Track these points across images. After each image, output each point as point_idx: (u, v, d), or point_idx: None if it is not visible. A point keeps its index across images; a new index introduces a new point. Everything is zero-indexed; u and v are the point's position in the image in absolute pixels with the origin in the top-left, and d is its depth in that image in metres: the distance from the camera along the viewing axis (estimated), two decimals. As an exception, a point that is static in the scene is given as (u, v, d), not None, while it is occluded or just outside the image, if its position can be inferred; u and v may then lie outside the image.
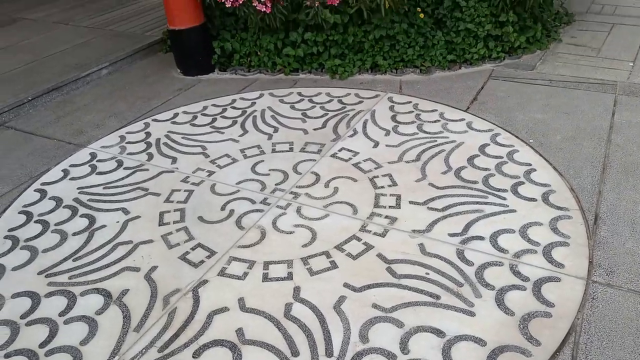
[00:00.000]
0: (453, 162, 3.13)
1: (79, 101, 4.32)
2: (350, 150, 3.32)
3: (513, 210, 2.70)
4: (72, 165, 3.40)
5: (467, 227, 2.61)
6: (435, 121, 3.57)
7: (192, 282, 2.42)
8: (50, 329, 2.24)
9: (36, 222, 2.90)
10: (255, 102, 4.03)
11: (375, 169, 3.12)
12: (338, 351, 2.04)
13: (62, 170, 3.35)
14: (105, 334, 2.20)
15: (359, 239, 2.59)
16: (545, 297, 2.21)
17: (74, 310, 2.32)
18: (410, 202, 2.82)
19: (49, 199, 3.09)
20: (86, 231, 2.80)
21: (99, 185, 3.17)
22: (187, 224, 2.79)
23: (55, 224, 2.87)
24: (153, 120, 3.90)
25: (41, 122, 4.02)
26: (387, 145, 3.34)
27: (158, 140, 3.62)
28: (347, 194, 2.92)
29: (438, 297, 2.25)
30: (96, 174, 3.29)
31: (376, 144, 3.36)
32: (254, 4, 4.11)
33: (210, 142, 3.54)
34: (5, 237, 2.80)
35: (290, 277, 2.40)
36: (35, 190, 3.18)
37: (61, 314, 2.30)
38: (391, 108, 3.79)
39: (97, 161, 3.43)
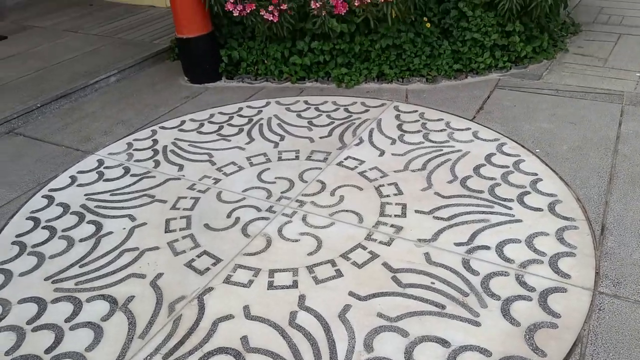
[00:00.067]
0: (459, 171, 3.13)
1: (87, 108, 4.36)
2: (356, 159, 3.32)
3: (519, 220, 2.70)
4: (79, 172, 3.42)
5: (473, 236, 2.61)
6: (441, 130, 3.58)
7: (198, 289, 2.42)
8: (56, 335, 2.25)
9: (43, 228, 2.92)
10: (261, 110, 4.05)
11: (381, 177, 3.13)
12: (343, 360, 2.04)
13: (69, 177, 3.38)
14: (111, 341, 2.20)
15: (364, 248, 2.59)
16: (552, 307, 2.20)
17: (79, 316, 2.33)
18: (416, 211, 2.82)
19: (57, 205, 3.11)
20: (93, 237, 2.81)
21: (106, 192, 3.19)
22: (193, 231, 2.80)
23: (62, 230, 2.88)
24: (160, 127, 3.93)
25: (50, 128, 4.06)
26: (393, 154, 3.34)
27: (165, 147, 3.64)
28: (353, 202, 2.93)
29: (443, 307, 2.24)
30: (103, 180, 3.31)
31: (382, 153, 3.37)
32: (262, 13, 4.14)
33: (216, 149, 3.56)
34: (13, 243, 2.82)
35: (295, 285, 2.40)
36: (43, 197, 3.20)
37: (67, 320, 2.31)
38: (397, 117, 3.79)
39: (104, 168, 3.45)
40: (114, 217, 2.96)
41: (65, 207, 3.07)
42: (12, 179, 3.42)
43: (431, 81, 4.30)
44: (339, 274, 2.45)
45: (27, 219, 3.01)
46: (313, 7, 4.08)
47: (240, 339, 2.16)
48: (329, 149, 3.46)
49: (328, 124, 3.77)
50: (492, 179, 3.03)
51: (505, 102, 3.92)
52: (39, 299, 2.44)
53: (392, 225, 2.73)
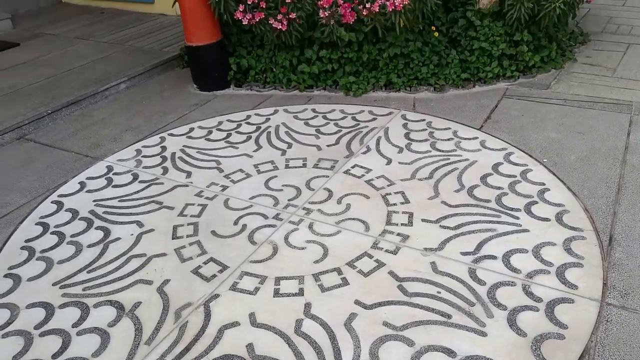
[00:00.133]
0: (466, 180, 3.12)
1: (97, 115, 4.40)
2: (363, 167, 3.33)
3: (526, 230, 2.69)
4: (88, 178, 3.45)
5: (480, 246, 2.60)
6: (448, 139, 3.58)
7: (204, 296, 2.43)
8: (63, 340, 2.26)
9: (52, 233, 2.94)
10: (269, 118, 4.08)
11: (388, 186, 3.13)
12: (348, 369, 2.04)
13: (78, 183, 3.41)
14: (117, 346, 2.21)
15: (370, 256, 2.59)
16: (559, 318, 2.19)
17: (87, 321, 2.35)
18: (423, 220, 2.82)
19: (65, 210, 3.13)
20: (101, 243, 2.83)
21: (114, 198, 3.22)
22: (200, 238, 2.81)
23: (71, 236, 2.91)
24: (169, 134, 3.96)
25: (60, 135, 4.10)
26: (400, 163, 3.35)
27: (173, 154, 3.66)
28: (360, 210, 2.93)
29: (449, 316, 2.23)
30: (112, 186, 3.34)
31: (389, 161, 3.37)
32: (271, 22, 4.17)
33: (224, 157, 3.58)
34: (22, 248, 2.84)
35: (301, 293, 2.41)
36: (52, 202, 3.23)
37: (74, 325, 2.33)
38: (404, 125, 3.80)
39: (113, 174, 3.48)
40: (122, 223, 2.98)
41: (74, 213, 3.10)
42: (22, 185, 3.45)
43: (439, 90, 4.30)
44: (345, 282, 2.45)
45: (36, 224, 3.04)
46: (322, 16, 4.11)
47: (246, 346, 2.17)
48: (336, 157, 3.47)
49: (335, 132, 3.78)
50: (499, 188, 3.03)
51: (513, 111, 3.91)
52: (47, 304, 2.46)
53: (398, 234, 2.73)
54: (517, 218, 2.78)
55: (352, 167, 3.35)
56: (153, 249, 2.76)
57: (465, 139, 3.57)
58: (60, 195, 3.29)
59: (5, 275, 2.66)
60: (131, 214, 3.05)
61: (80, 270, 2.65)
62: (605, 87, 4.15)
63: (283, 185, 3.21)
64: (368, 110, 4.08)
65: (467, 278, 2.42)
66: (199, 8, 4.31)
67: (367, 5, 4.04)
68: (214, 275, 2.55)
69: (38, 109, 4.31)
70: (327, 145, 3.62)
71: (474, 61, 4.35)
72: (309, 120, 3.99)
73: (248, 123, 4.03)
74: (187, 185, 3.29)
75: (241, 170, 3.40)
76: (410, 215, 2.86)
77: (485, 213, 2.84)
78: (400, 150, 3.48)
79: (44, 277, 2.63)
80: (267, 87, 4.61)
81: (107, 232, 2.91)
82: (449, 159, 3.35)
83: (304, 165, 3.41)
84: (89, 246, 2.82)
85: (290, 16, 4.16)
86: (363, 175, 3.25)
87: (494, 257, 2.53)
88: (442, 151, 3.44)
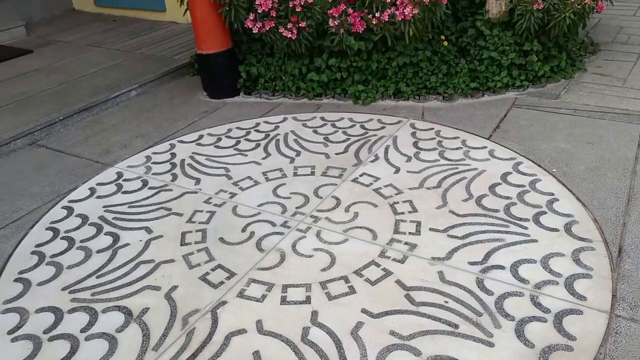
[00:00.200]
0: (474, 189, 3.12)
1: (108, 121, 4.44)
2: (372, 176, 3.34)
3: (534, 240, 2.68)
4: (98, 184, 3.49)
5: (488, 255, 2.60)
6: (457, 148, 3.58)
7: (212, 302, 2.44)
8: (71, 345, 2.28)
9: (62, 238, 2.97)
10: (278, 126, 4.10)
11: (396, 194, 3.13)
12: (354, 378, 2.03)
13: (89, 189, 3.44)
14: (125, 352, 2.23)
15: (378, 265, 2.59)
16: (567, 329, 2.18)
17: (95, 326, 2.36)
18: (431, 229, 2.81)
19: (76, 216, 3.16)
20: (110, 249, 2.85)
21: (124, 204, 3.24)
22: (208, 245, 2.83)
23: (81, 241, 2.93)
24: (178, 141, 3.99)
25: (71, 141, 4.15)
26: (408, 172, 3.35)
27: (183, 161, 3.69)
28: (367, 219, 2.93)
29: (457, 326, 2.23)
30: (122, 193, 3.37)
31: (397, 170, 3.38)
32: (281, 30, 4.20)
33: (233, 164, 3.60)
34: (32, 253, 2.87)
35: (308, 300, 2.41)
36: (62, 207, 3.26)
37: (82, 330, 2.35)
38: (413, 134, 3.80)
39: (123, 180, 3.51)
40: (131, 229, 3.00)
41: (84, 219, 3.13)
42: (33, 190, 3.49)
43: (448, 99, 4.31)
44: (352, 290, 2.45)
45: (46, 229, 3.07)
46: (331, 25, 4.14)
47: (253, 353, 2.17)
48: (345, 165, 3.48)
49: (344, 141, 3.80)
50: (507, 198, 3.02)
51: (522, 121, 3.91)
52: (56, 308, 2.48)
53: (406, 243, 2.72)
54: (526, 228, 2.77)
55: (361, 175, 3.35)
56: (161, 255, 2.77)
57: (474, 148, 3.57)
58: (71, 201, 3.32)
59: (16, 280, 2.68)
60: (140, 220, 3.08)
61: (89, 276, 2.67)
62: (615, 98, 4.13)
63: (291, 193, 3.22)
64: (377, 118, 4.09)
65: (474, 288, 2.41)
66: (210, 17, 4.35)
67: (377, 15, 4.06)
68: (222, 282, 2.56)
69: (50, 115, 4.36)
70: (336, 154, 3.63)
71: (483, 70, 4.36)
72: (318, 129, 4.01)
73: (257, 130, 4.05)
74: (196, 192, 3.31)
75: (250, 178, 3.42)
76: (418, 224, 2.86)
77: (493, 223, 2.83)
78: (409, 159, 3.49)
79: (53, 281, 2.65)
80: (276, 95, 4.64)
81: (116, 238, 2.93)
82: (458, 168, 3.35)
83: (312, 173, 3.42)
84: (98, 251, 2.84)
85: (300, 25, 4.18)
86: (371, 183, 3.26)
87: (502, 267, 2.52)
88: (451, 160, 3.44)
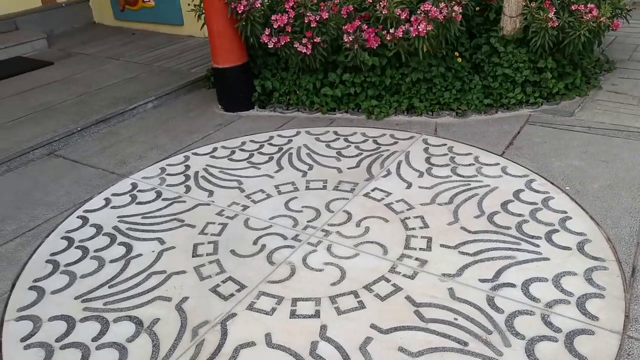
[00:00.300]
0: (486, 206, 3.11)
1: (124, 133, 4.51)
2: (383, 191, 3.34)
3: (546, 259, 2.66)
4: (113, 195, 3.54)
5: (499, 273, 2.58)
6: (469, 164, 3.57)
7: (221, 314, 2.46)
8: (82, 354, 2.30)
9: (77, 247, 3.02)
10: (291, 140, 4.13)
11: (408, 210, 3.13)
12: (362, 393, 2.03)
13: (104, 199, 3.49)
14: (135, 362, 2.25)
15: (388, 280, 2.59)
16: (578, 350, 2.15)
17: (106, 336, 2.39)
18: (441, 245, 2.81)
19: (90, 225, 3.21)
20: (123, 259, 2.89)
21: (137, 214, 3.28)
22: (220, 257, 2.85)
23: (94, 251, 2.97)
24: (193, 153, 4.04)
25: (88, 152, 4.22)
26: (420, 187, 3.35)
27: (196, 173, 3.73)
28: (378, 234, 2.94)
29: (466, 344, 2.21)
30: (136, 203, 3.41)
31: (409, 185, 3.38)
32: (296, 45, 4.25)
33: (246, 177, 3.64)
34: (47, 261, 2.92)
35: (317, 315, 2.42)
36: (77, 217, 3.31)
37: (94, 339, 2.37)
38: (426, 150, 3.81)
39: (137, 191, 3.55)
40: (144, 239, 3.04)
41: (99, 228, 3.17)
42: (50, 199, 3.55)
43: (461, 115, 4.31)
44: (362, 305, 2.45)
45: (61, 238, 3.12)
46: (346, 40, 4.18)
47: (261, 366, 2.18)
48: (357, 180, 3.49)
49: (356, 155, 3.81)
50: (520, 215, 3.01)
51: (536, 138, 3.90)
52: (69, 317, 2.51)
53: (416, 259, 2.72)
54: (538, 246, 2.75)
55: (372, 190, 3.36)
56: (173, 266, 2.80)
57: (487, 164, 3.56)
58: (86, 211, 3.38)
59: (30, 288, 2.73)
60: (153, 230, 3.11)
61: (102, 285, 2.70)
62: (630, 116, 4.10)
63: (303, 207, 3.24)
64: (389, 133, 4.10)
65: (485, 305, 2.40)
66: (227, 31, 4.42)
67: (391, 31, 4.10)
68: (232, 294, 2.57)
69: (68, 126, 4.45)
70: (348, 168, 3.65)
71: (497, 87, 4.36)
72: (331, 143, 4.03)
73: (270, 144, 4.09)
74: (208, 204, 3.34)
75: (262, 191, 3.45)
76: (429, 240, 2.86)
77: (505, 240, 2.82)
78: (421, 175, 3.49)
79: (66, 290, 2.69)
80: (290, 109, 4.68)
81: (129, 248, 2.97)
82: (470, 184, 3.34)
83: (324, 187, 3.44)
84: (111, 261, 2.88)
85: (315, 40, 4.23)
86: (383, 198, 3.27)
87: (513, 285, 2.50)
88: (463, 176, 3.44)
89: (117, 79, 5.55)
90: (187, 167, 3.83)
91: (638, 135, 3.81)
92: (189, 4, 5.07)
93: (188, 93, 5.28)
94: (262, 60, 4.75)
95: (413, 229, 2.96)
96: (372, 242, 2.87)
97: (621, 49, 5.55)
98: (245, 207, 3.28)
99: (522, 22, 4.34)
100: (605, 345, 2.17)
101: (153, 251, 2.93)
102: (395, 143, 3.95)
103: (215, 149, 4.08)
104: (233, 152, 4.00)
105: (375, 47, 4.21)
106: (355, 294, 2.52)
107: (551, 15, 4.11)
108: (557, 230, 2.86)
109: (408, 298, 2.47)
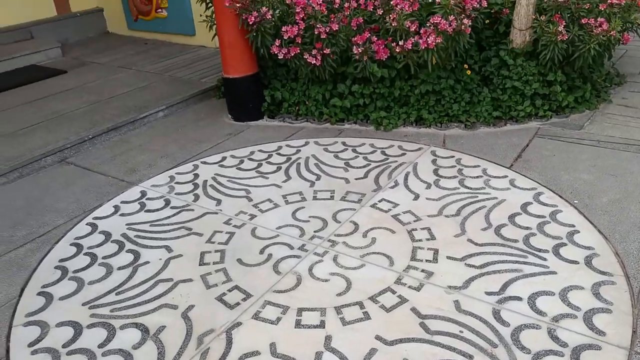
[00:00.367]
0: (493, 219, 3.10)
1: (135, 141, 4.56)
2: (391, 202, 3.35)
3: (553, 272, 2.65)
4: (123, 202, 3.57)
5: (505, 286, 2.57)
6: (477, 177, 3.57)
7: (227, 323, 2.47)
8: (88, 360, 2.32)
9: (85, 254, 3.04)
10: (300, 150, 4.15)
11: (415, 221, 3.13)
12: (365, 405, 2.02)
13: (113, 206, 3.53)
14: (140, 369, 2.26)
15: (393, 292, 2.59)
16: (584, 365, 2.14)
17: (112, 342, 2.40)
18: (448, 257, 2.80)
19: (99, 232, 3.24)
20: (130, 266, 2.91)
21: (146, 222, 3.31)
22: (226, 266, 2.86)
23: (103, 258, 3.00)
24: (202, 162, 4.07)
25: (98, 159, 4.26)
26: (427, 199, 3.35)
27: (205, 182, 3.76)
28: (385, 245, 2.94)
29: (471, 357, 2.20)
30: (145, 211, 3.44)
31: (417, 197, 3.38)
32: (305, 57, 4.29)
33: (254, 186, 3.66)
34: (56, 267, 2.95)
35: (322, 325, 2.42)
36: (87, 224, 3.35)
37: (100, 346, 2.39)
38: (434, 162, 3.81)
39: (146, 199, 3.59)
40: (151, 247, 3.06)
41: (107, 235, 3.20)
42: (60, 206, 3.59)
43: (470, 127, 4.31)
44: (367, 316, 2.45)
45: (70, 244, 3.15)
46: (355, 52, 4.20)
47: (265, 376, 2.18)
48: (364, 191, 3.50)
49: (364, 166, 3.82)
50: (527, 228, 3.00)
51: (545, 151, 3.88)
52: (76, 323, 2.53)
53: (422, 270, 2.72)
54: (545, 259, 2.74)
55: (379, 201, 3.37)
56: (180, 274, 2.82)
57: (495, 177, 3.56)
58: (95, 218, 3.41)
59: (39, 293, 2.75)
60: (161, 238, 3.14)
61: (109, 292, 2.72)
62: (640, 130, 4.08)
63: (310, 217, 3.25)
64: (398, 145, 4.11)
65: (490, 318, 2.39)
66: (237, 42, 4.47)
67: (400, 43, 4.12)
68: (238, 303, 2.58)
69: (80, 133, 4.50)
70: (356, 179, 3.66)
71: (506, 100, 4.36)
72: (339, 153, 4.05)
73: (279, 154, 4.11)
74: (216, 213, 3.36)
75: (270, 200, 3.46)
76: (436, 251, 2.85)
77: (512, 253, 2.81)
78: (428, 186, 3.49)
79: (74, 296, 2.71)
80: (299, 120, 4.71)
81: (137, 256, 2.99)
82: (477, 196, 3.34)
83: (332, 198, 3.45)
84: (119, 268, 2.90)
85: (325, 51, 4.26)
86: (390, 209, 3.27)
87: (519, 299, 2.49)
88: (471, 189, 3.43)
89: (129, 87, 5.62)
90: (196, 175, 3.86)
91: (648, 149, 3.79)
92: (200, 15, 5.13)
93: (198, 102, 5.33)
94: (272, 71, 4.79)
95: (420, 240, 2.96)
96: (378, 253, 2.87)
97: (632, 62, 5.53)
98: (252, 217, 3.30)
99: (531, 35, 4.35)
100: (612, 361, 2.15)
101: (160, 259, 2.95)
102: (404, 154, 3.96)
103: (224, 158, 4.10)
104: (242, 162, 4.03)
105: (384, 59, 4.23)
106: (360, 304, 2.52)
107: (561, 28, 4.12)
108: (565, 244, 2.84)
109: (413, 310, 2.47)
